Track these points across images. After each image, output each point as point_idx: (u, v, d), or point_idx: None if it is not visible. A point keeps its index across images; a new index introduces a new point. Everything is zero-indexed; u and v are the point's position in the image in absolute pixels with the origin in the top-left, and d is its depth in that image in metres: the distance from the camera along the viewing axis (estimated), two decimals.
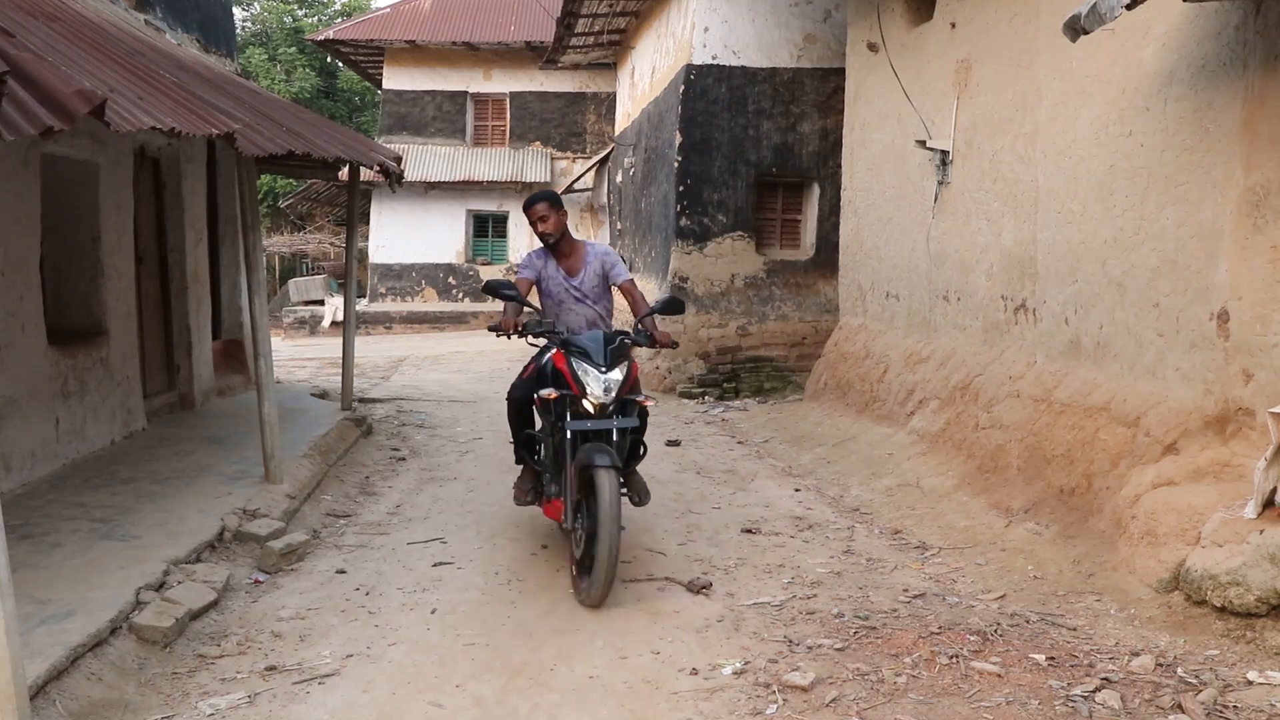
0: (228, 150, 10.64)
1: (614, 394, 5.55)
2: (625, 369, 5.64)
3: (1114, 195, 6.43)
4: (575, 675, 4.49)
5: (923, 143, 9.08)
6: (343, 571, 6.00)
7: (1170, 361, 5.88)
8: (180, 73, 7.49)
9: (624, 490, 5.77)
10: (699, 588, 5.59)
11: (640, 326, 6.08)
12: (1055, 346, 7.17)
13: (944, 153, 8.83)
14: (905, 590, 5.55)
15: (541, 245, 6.39)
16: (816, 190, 14.31)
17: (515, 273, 6.63)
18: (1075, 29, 5.44)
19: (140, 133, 5.10)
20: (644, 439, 6.03)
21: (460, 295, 28.20)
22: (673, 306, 6.10)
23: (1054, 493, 6.47)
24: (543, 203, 6.19)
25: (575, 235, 6.34)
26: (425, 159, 27.12)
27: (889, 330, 10.18)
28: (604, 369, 5.55)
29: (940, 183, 8.94)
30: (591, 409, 5.55)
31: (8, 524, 5.15)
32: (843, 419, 10.15)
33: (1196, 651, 4.52)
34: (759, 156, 14.24)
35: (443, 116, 27.87)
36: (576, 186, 26.21)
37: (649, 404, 5.76)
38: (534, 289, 6.36)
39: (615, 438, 5.58)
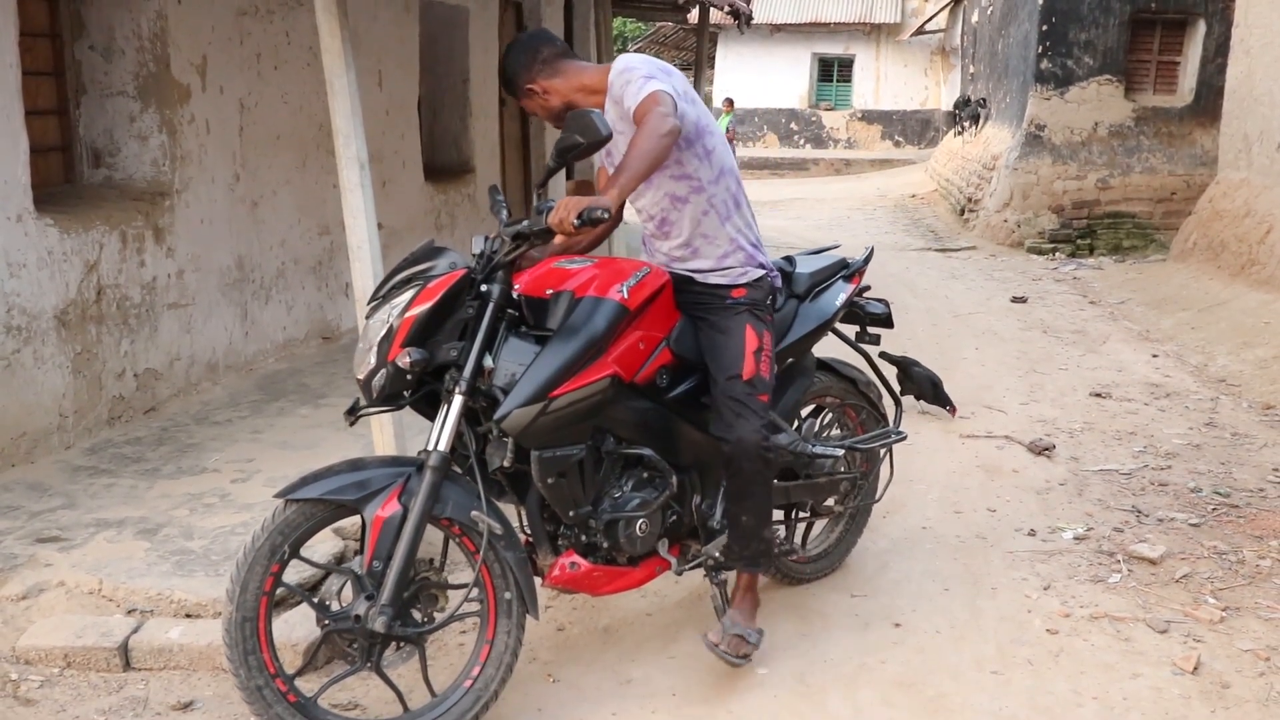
0: None
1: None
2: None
3: None
4: (907, 525, 4.50)
5: None
6: None
7: None
8: None
9: None
10: (1041, 449, 5.41)
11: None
12: None
13: None
14: (1276, 470, 5.13)
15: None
16: (1201, 28, 12.92)
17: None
18: None
19: None
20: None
21: (801, 141, 27.89)
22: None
23: None
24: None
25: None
26: (772, 0, 26.66)
27: (1277, 186, 9.17)
28: None
29: None
30: None
31: None
32: (1213, 282, 9.34)
33: None
34: None
35: None
36: (928, 28, 24.99)
37: None
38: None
39: None
